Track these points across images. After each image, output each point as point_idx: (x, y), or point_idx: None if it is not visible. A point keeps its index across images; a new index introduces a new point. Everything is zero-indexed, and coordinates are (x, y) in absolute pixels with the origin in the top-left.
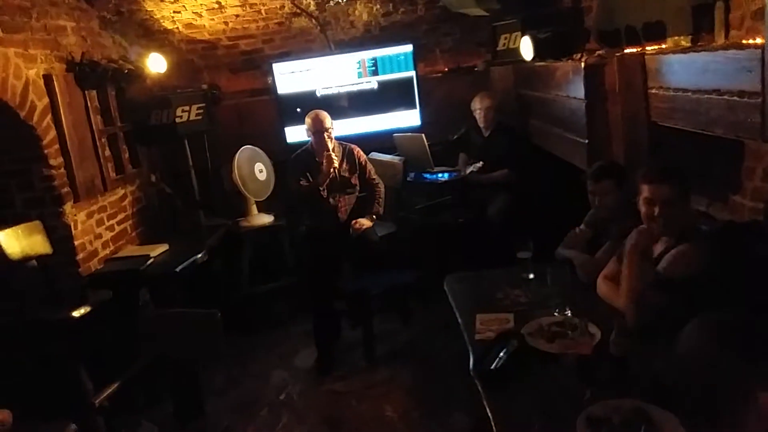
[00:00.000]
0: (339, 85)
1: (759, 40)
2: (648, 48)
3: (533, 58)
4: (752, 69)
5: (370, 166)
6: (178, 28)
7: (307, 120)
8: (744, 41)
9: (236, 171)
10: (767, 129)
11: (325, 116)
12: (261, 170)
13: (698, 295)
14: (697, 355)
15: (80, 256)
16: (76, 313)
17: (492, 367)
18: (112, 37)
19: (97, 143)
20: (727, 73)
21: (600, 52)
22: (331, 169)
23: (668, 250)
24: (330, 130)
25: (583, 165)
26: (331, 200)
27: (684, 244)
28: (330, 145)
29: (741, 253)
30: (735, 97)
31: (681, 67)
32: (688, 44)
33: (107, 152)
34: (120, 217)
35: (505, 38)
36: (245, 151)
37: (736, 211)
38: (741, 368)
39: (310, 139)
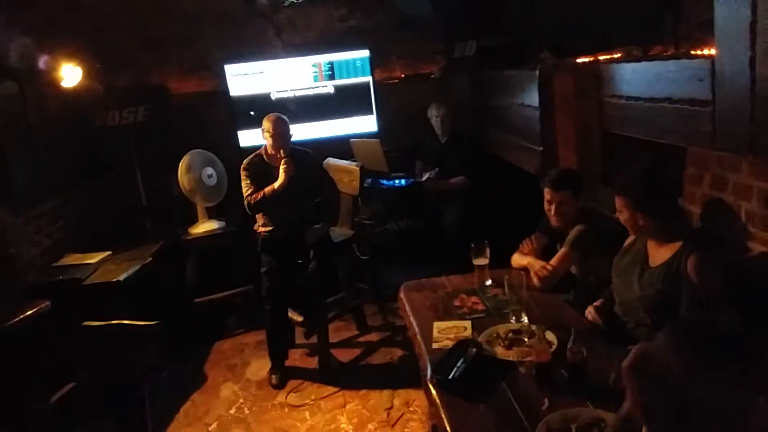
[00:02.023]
0: (294, 88)
1: (709, 51)
2: (601, 57)
3: (487, 66)
4: (703, 78)
5: (325, 172)
6: (126, 26)
7: (266, 122)
8: (693, 51)
9: (181, 176)
10: (718, 137)
11: (285, 120)
12: (210, 175)
13: None
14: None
15: (17, 264)
16: (11, 325)
17: (450, 376)
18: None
19: (36, 145)
20: (678, 81)
21: (554, 60)
22: (287, 176)
23: (677, 256)
24: (288, 136)
25: (537, 172)
26: (286, 207)
27: (696, 253)
28: (285, 151)
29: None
30: (686, 106)
31: (634, 76)
32: (640, 53)
33: (47, 155)
34: (60, 223)
35: (461, 46)
36: (192, 155)
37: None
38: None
39: (264, 142)
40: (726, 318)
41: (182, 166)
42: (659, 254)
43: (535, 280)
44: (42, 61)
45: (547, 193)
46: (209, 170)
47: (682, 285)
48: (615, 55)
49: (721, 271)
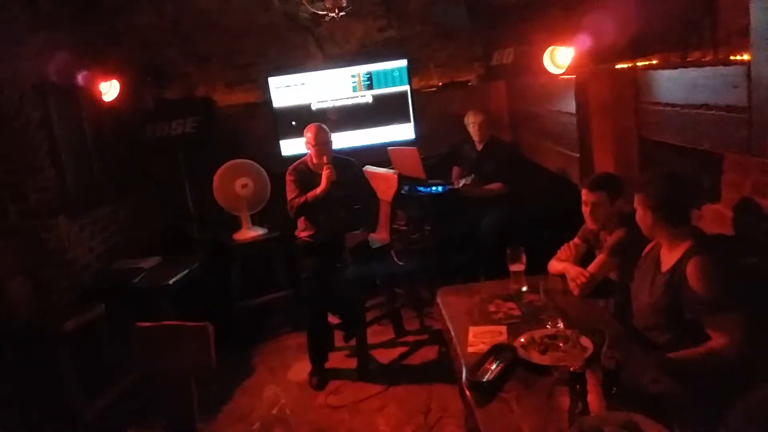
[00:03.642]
0: (334, 98)
1: (745, 57)
2: (638, 63)
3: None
4: (739, 84)
5: (365, 180)
6: (173, 41)
7: (307, 133)
8: (731, 57)
9: (216, 193)
10: (754, 143)
11: (325, 130)
12: (245, 185)
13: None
14: None
15: (73, 268)
16: (67, 326)
17: (484, 379)
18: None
19: (91, 156)
20: (715, 88)
21: (591, 67)
22: (329, 182)
23: (680, 261)
24: (329, 144)
25: (575, 178)
26: (327, 213)
27: (700, 256)
28: (328, 158)
29: (744, 265)
30: (723, 112)
31: (670, 83)
32: (677, 60)
33: (101, 165)
34: (113, 229)
35: (499, 53)
36: (224, 170)
37: (725, 224)
38: None
39: (307, 151)
40: None
41: (215, 182)
42: (668, 259)
43: (571, 287)
44: (96, 77)
45: (583, 194)
46: (243, 180)
47: (683, 290)
48: (652, 62)
49: (720, 274)
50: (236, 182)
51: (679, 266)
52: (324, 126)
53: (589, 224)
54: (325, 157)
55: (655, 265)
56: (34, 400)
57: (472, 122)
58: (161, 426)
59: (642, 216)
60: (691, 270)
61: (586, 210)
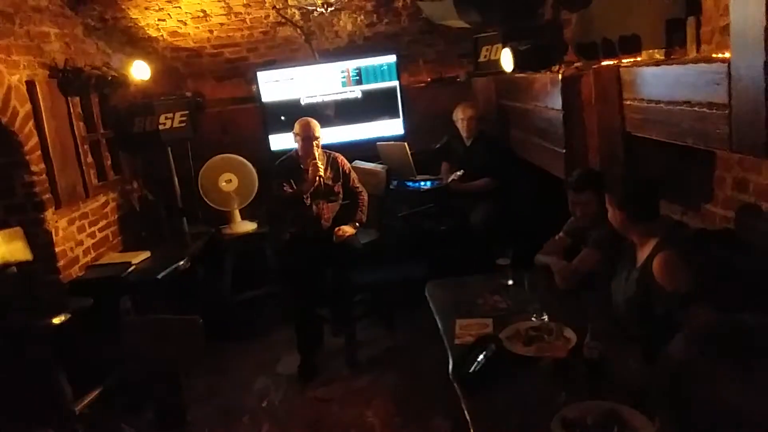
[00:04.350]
0: (323, 93)
1: (726, 54)
2: (623, 60)
3: (513, 70)
4: (720, 82)
5: (353, 175)
6: (162, 35)
7: (297, 126)
8: (714, 55)
9: (201, 190)
10: (735, 139)
11: (315, 124)
12: (229, 180)
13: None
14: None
15: (61, 263)
16: (56, 320)
17: (470, 370)
18: (96, 44)
19: (80, 150)
20: (696, 85)
21: (577, 64)
22: (316, 177)
23: (649, 257)
24: (318, 139)
25: (561, 174)
26: (314, 207)
27: (665, 251)
28: (316, 153)
29: (713, 258)
30: (704, 109)
31: (654, 80)
32: (662, 57)
33: (89, 159)
34: (101, 224)
35: (487, 50)
36: (213, 160)
37: (708, 219)
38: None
39: (296, 145)
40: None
41: (200, 180)
42: (641, 255)
43: (557, 280)
44: (84, 70)
45: (571, 195)
46: (228, 176)
47: (652, 287)
48: (637, 59)
49: (685, 268)
50: (220, 178)
51: (648, 263)
52: (314, 120)
53: (582, 222)
54: (313, 152)
55: (632, 261)
56: (22, 394)
57: (460, 118)
58: (151, 419)
59: (613, 214)
60: (656, 266)
61: (577, 210)
